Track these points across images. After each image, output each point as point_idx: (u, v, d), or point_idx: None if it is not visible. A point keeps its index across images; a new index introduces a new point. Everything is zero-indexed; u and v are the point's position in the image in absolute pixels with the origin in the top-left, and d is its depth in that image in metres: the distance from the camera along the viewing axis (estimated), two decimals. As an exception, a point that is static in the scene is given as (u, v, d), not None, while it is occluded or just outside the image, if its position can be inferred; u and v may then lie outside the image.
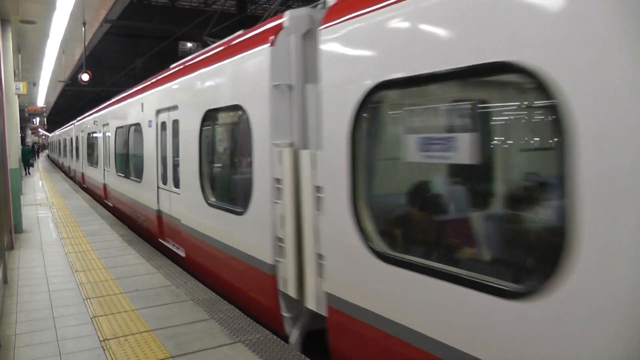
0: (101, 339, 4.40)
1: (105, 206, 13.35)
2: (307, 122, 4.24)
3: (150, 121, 8.60)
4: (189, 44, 22.99)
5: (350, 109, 3.42)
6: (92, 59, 20.13)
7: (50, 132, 59.72)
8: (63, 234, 9.50)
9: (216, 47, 6.35)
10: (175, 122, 7.25)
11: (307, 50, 4.27)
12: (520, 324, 2.38)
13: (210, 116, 6.08)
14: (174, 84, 7.52)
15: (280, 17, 4.52)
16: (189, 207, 6.72)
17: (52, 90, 28.89)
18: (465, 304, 2.67)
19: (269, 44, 4.46)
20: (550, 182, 2.58)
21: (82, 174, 19.42)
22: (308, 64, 4.26)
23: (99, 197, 14.73)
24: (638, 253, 1.99)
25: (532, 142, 3.40)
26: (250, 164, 4.87)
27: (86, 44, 14.51)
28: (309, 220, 4.00)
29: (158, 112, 8.18)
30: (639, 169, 1.96)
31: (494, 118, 3.34)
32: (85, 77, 15.51)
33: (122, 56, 29.77)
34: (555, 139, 2.27)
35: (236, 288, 5.47)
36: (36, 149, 47.09)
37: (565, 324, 2.20)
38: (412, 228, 3.58)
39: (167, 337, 4.41)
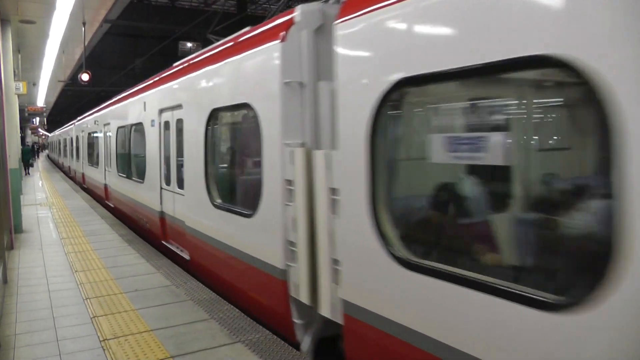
0: (101, 339, 4.40)
1: (107, 207, 13.21)
2: (320, 121, 4.08)
3: (152, 120, 8.43)
4: (189, 44, 22.98)
5: (370, 107, 3.24)
6: (92, 58, 20.12)
7: (50, 132, 59.70)
8: (63, 233, 9.50)
9: (223, 44, 6.17)
10: (179, 122, 7.08)
11: (319, 47, 4.12)
12: (560, 337, 2.21)
13: (216, 115, 5.91)
14: (178, 83, 7.33)
15: (291, 12, 4.36)
16: (194, 208, 6.54)
17: (52, 90, 28.89)
18: (497, 315, 2.49)
19: (279, 40, 4.28)
20: (593, 183, 2.46)
21: (83, 174, 19.28)
22: (320, 60, 4.11)
23: (100, 197, 14.58)
24: None
25: (574, 141, 3.21)
26: (259, 165, 4.70)
27: (86, 43, 14.50)
28: (323, 224, 3.82)
29: (161, 111, 8.01)
30: None
31: (530, 116, 3.18)
32: (85, 77, 15.50)
33: (122, 56, 29.74)
34: (601, 137, 2.12)
35: (244, 292, 5.31)
36: (36, 149, 47.08)
37: (609, 338, 2.05)
38: (437, 233, 3.40)
39: (167, 337, 4.41)
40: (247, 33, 5.49)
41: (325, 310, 3.88)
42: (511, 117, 3.08)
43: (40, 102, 29.78)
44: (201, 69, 6.36)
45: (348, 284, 3.61)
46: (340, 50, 3.62)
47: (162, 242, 8.04)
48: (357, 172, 3.37)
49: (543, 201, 2.98)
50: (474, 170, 3.11)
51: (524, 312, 2.33)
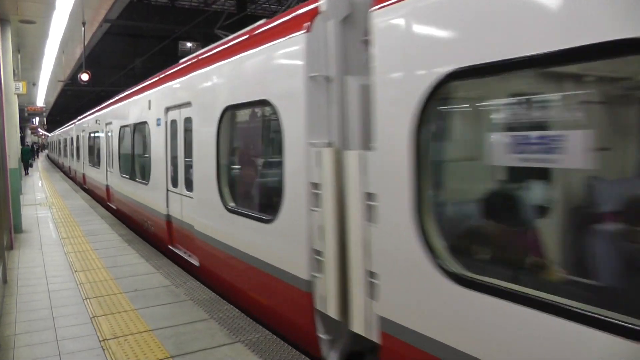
0: (101, 339, 4.40)
1: (108, 208, 12.94)
2: (348, 119, 3.76)
3: (158, 119, 8.06)
4: (189, 44, 23.03)
5: (415, 103, 2.89)
6: (92, 58, 20.14)
7: (50, 131, 59.74)
8: (63, 233, 9.50)
9: (237, 37, 5.79)
10: (188, 120, 6.73)
11: (347, 38, 3.82)
12: None
13: (230, 113, 5.53)
14: (186, 79, 6.93)
15: (316, 1, 4.05)
16: (204, 212, 6.17)
17: (52, 90, 28.92)
18: (575, 344, 2.15)
19: (304, 31, 3.94)
20: None
21: (83, 175, 19.00)
22: (347, 53, 3.82)
23: (101, 198, 14.26)
24: None
25: None
26: (279, 166, 4.37)
27: (86, 43, 14.51)
28: (356, 232, 3.47)
29: (167, 109, 7.65)
30: None
31: (618, 113, 2.79)
32: (84, 76, 15.51)
33: (122, 56, 29.78)
34: None
35: (261, 303, 4.97)
36: (35, 149, 47.08)
37: None
38: (497, 245, 3.01)
39: (167, 337, 4.41)
40: (264, 25, 5.16)
41: (357, 327, 3.54)
42: (594, 113, 2.69)
43: (40, 102, 29.78)
44: (213, 64, 5.99)
45: (387, 300, 3.25)
46: (378, 40, 3.26)
47: (169, 246, 7.71)
48: (399, 176, 3.04)
49: (632, 210, 2.57)
50: (542, 173, 2.76)
51: (613, 341, 1.99)
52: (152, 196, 8.61)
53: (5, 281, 6.15)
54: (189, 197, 6.77)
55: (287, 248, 4.31)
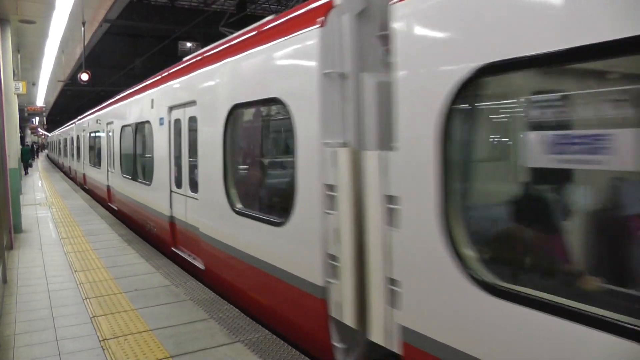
0: (100, 338, 4.40)
1: (109, 209, 12.83)
2: (363, 118, 3.60)
3: (161, 119, 7.90)
4: (189, 44, 23.03)
5: (442, 99, 2.72)
6: (92, 58, 20.14)
7: (49, 131, 59.75)
8: (62, 233, 9.50)
9: (245, 34, 5.59)
10: (192, 120, 6.56)
11: (362, 33, 3.67)
12: None
13: (237, 112, 5.35)
14: (191, 77, 6.73)
15: None
16: (210, 214, 5.99)
17: (52, 90, 28.93)
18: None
19: (318, 25, 3.79)
20: None
21: (84, 175, 18.87)
22: (362, 49, 3.67)
23: (102, 199, 14.11)
24: None
25: None
26: (291, 167, 4.22)
27: (85, 43, 14.51)
28: (376, 237, 3.31)
29: (171, 108, 7.49)
30: None
31: None
32: (84, 76, 15.52)
33: (122, 56, 29.74)
34: None
35: (271, 309, 4.80)
36: (35, 149, 47.08)
37: None
38: (535, 252, 2.81)
39: (167, 336, 4.41)
40: (275, 20, 5.00)
41: (376, 336, 3.38)
42: None
43: (40, 101, 29.81)
44: (219, 61, 5.79)
45: (410, 309, 3.08)
46: (401, 33, 3.08)
47: (172, 248, 7.55)
48: (424, 177, 2.86)
49: None
50: (592, 176, 2.49)
51: None
52: (154, 197, 8.43)
53: (5, 281, 6.15)
54: (193, 198, 6.62)
55: (300, 252, 4.14)
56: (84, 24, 12.68)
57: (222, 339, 4.34)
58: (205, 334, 4.47)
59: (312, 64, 3.85)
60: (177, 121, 7.30)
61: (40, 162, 41.67)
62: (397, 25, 3.12)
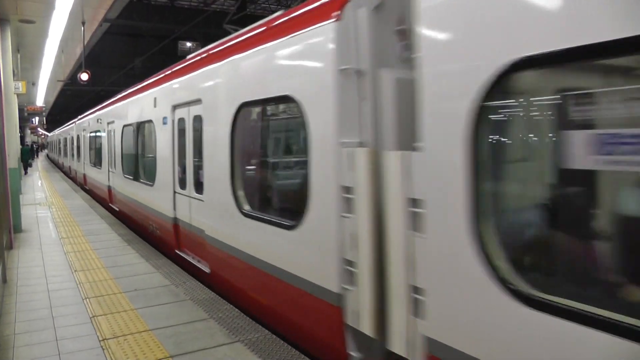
0: (100, 338, 4.40)
1: (110, 210, 12.72)
2: (382, 116, 3.43)
3: (165, 118, 7.69)
4: (189, 44, 23.04)
5: (473, 96, 2.56)
6: (92, 58, 20.15)
7: (49, 131, 59.77)
8: (62, 233, 9.50)
9: (252, 30, 5.40)
10: (197, 119, 6.39)
11: (379, 28, 3.51)
12: None
13: (246, 110, 5.19)
14: (196, 75, 6.52)
15: None
16: (216, 216, 5.79)
17: (52, 90, 28.95)
18: None
19: (333, 19, 3.63)
20: None
21: (84, 175, 18.73)
22: (381, 44, 3.51)
23: (103, 200, 13.95)
24: None
25: None
26: (304, 167, 4.06)
27: (85, 43, 14.52)
28: (397, 242, 3.13)
29: (175, 107, 7.30)
30: None
31: None
32: (84, 76, 15.53)
33: (122, 55, 29.78)
34: None
35: (282, 316, 4.62)
36: (35, 149, 47.08)
37: None
38: (576, 261, 2.63)
39: (167, 336, 4.41)
40: (286, 14, 4.81)
41: (397, 347, 3.20)
42: None
43: (40, 101, 29.81)
44: (226, 58, 5.59)
45: (436, 320, 2.90)
46: (425, 27, 2.90)
47: (176, 251, 7.39)
48: (453, 179, 2.70)
49: None
50: (630, 178, 2.33)
51: None
52: (157, 198, 8.25)
53: (4, 281, 6.15)
54: (198, 199, 6.44)
55: (314, 257, 3.96)
56: (83, 23, 12.68)
57: (222, 339, 4.34)
58: (205, 333, 4.47)
59: (328, 60, 3.69)
60: (181, 120, 7.14)
61: (40, 162, 41.66)
62: (421, 17, 2.93)
